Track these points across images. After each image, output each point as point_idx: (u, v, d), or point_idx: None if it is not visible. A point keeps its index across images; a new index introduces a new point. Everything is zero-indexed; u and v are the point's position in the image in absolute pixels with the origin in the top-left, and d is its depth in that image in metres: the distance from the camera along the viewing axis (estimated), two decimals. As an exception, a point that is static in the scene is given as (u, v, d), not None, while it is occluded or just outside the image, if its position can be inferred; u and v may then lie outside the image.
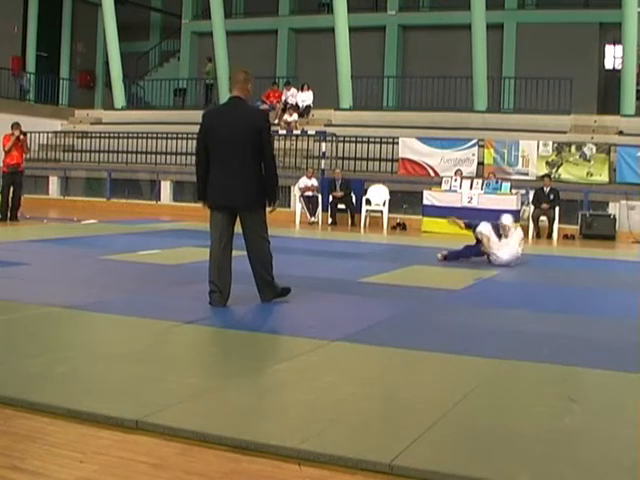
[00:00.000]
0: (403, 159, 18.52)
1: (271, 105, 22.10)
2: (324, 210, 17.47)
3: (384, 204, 17.06)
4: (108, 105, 25.49)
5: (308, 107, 21.74)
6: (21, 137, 14.72)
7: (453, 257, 10.22)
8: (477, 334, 5.52)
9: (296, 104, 21.68)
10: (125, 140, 21.65)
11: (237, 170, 6.13)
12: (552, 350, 5.03)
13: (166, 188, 20.60)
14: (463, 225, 10.58)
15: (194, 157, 6.64)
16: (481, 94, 20.57)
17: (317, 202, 17.49)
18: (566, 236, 16.05)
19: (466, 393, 3.92)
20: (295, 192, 17.77)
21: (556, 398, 3.93)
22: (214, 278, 6.31)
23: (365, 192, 17.37)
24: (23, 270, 7.89)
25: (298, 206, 17.40)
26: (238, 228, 6.38)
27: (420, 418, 3.52)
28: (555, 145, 17.42)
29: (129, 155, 21.30)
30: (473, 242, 10.29)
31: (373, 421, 3.51)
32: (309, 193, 17.61)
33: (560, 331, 5.72)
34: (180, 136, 20.92)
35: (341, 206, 17.40)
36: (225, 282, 6.30)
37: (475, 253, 10.19)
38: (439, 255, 10.20)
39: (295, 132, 19.70)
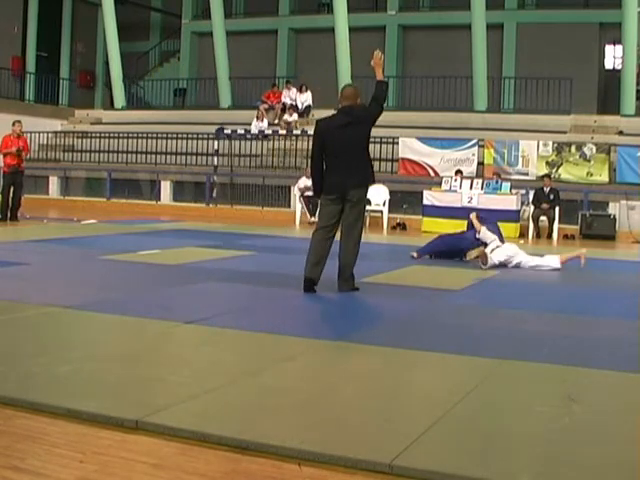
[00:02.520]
0: (403, 159, 18.53)
1: (271, 105, 22.14)
2: (324, 210, 17.44)
3: (384, 204, 17.05)
4: (108, 105, 25.50)
5: (308, 107, 21.76)
6: (20, 145, 14.73)
7: (426, 252, 10.14)
8: (477, 334, 5.52)
9: (296, 104, 21.71)
10: (125, 140, 21.66)
11: (349, 167, 6.97)
12: (552, 350, 5.03)
13: (166, 188, 20.61)
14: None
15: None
16: (481, 94, 20.58)
17: (317, 202, 17.47)
18: (566, 236, 16.06)
19: (466, 393, 3.92)
20: (295, 192, 17.78)
21: (556, 398, 3.93)
22: (312, 262, 6.99)
23: (365, 192, 17.35)
24: (23, 270, 7.89)
25: (298, 206, 17.41)
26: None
27: (420, 418, 3.52)
28: (555, 145, 17.43)
29: (129, 155, 21.32)
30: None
31: (373, 421, 3.50)
32: (309, 193, 17.55)
33: (560, 331, 5.73)
34: (180, 136, 20.95)
35: (341, 206, 17.38)
36: (321, 267, 7.01)
37: (452, 244, 10.14)
38: (414, 254, 10.17)
39: (295, 132, 19.72)
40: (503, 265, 9.44)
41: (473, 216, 10.32)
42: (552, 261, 9.58)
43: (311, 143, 7.34)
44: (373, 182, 7.33)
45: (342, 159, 6.96)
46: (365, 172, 7.12)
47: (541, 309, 6.64)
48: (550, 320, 6.15)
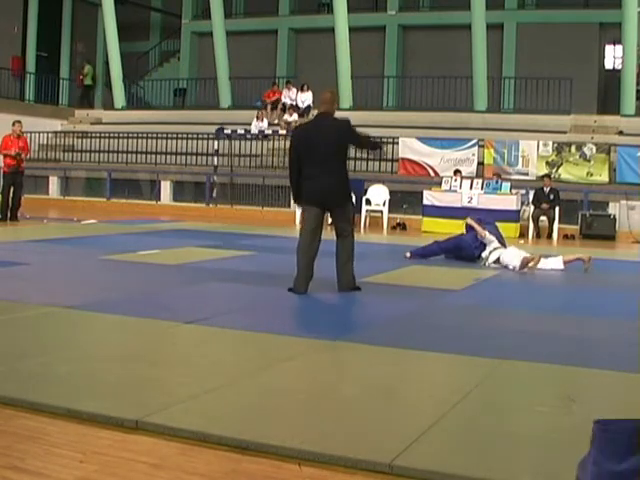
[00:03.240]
0: (403, 159, 18.52)
1: (271, 103, 22.19)
2: (324, 210, 17.45)
3: (384, 204, 17.06)
4: (108, 105, 25.50)
5: (308, 107, 21.76)
6: (20, 146, 14.74)
7: (419, 255, 10.18)
8: (477, 334, 5.52)
9: (296, 104, 21.72)
10: (125, 140, 21.65)
11: (328, 174, 6.94)
12: (552, 350, 5.03)
13: (166, 188, 20.61)
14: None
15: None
16: (481, 94, 20.58)
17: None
18: (566, 236, 16.05)
19: (466, 393, 3.92)
20: (295, 192, 17.77)
21: (556, 398, 3.93)
22: (303, 269, 6.99)
23: (365, 192, 17.36)
24: (23, 270, 7.89)
25: (298, 206, 17.39)
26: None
27: (420, 418, 3.53)
28: (555, 145, 17.42)
29: (129, 155, 21.31)
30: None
31: (373, 421, 3.50)
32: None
33: (560, 331, 5.73)
34: (180, 136, 20.94)
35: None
36: (311, 273, 7.03)
37: (451, 247, 10.17)
38: (407, 254, 10.20)
39: (295, 132, 19.72)
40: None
41: (472, 221, 10.25)
42: (556, 263, 9.59)
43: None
44: (350, 193, 7.31)
45: (320, 163, 6.94)
46: (342, 175, 7.12)
47: (541, 309, 6.64)
48: (550, 320, 6.15)
